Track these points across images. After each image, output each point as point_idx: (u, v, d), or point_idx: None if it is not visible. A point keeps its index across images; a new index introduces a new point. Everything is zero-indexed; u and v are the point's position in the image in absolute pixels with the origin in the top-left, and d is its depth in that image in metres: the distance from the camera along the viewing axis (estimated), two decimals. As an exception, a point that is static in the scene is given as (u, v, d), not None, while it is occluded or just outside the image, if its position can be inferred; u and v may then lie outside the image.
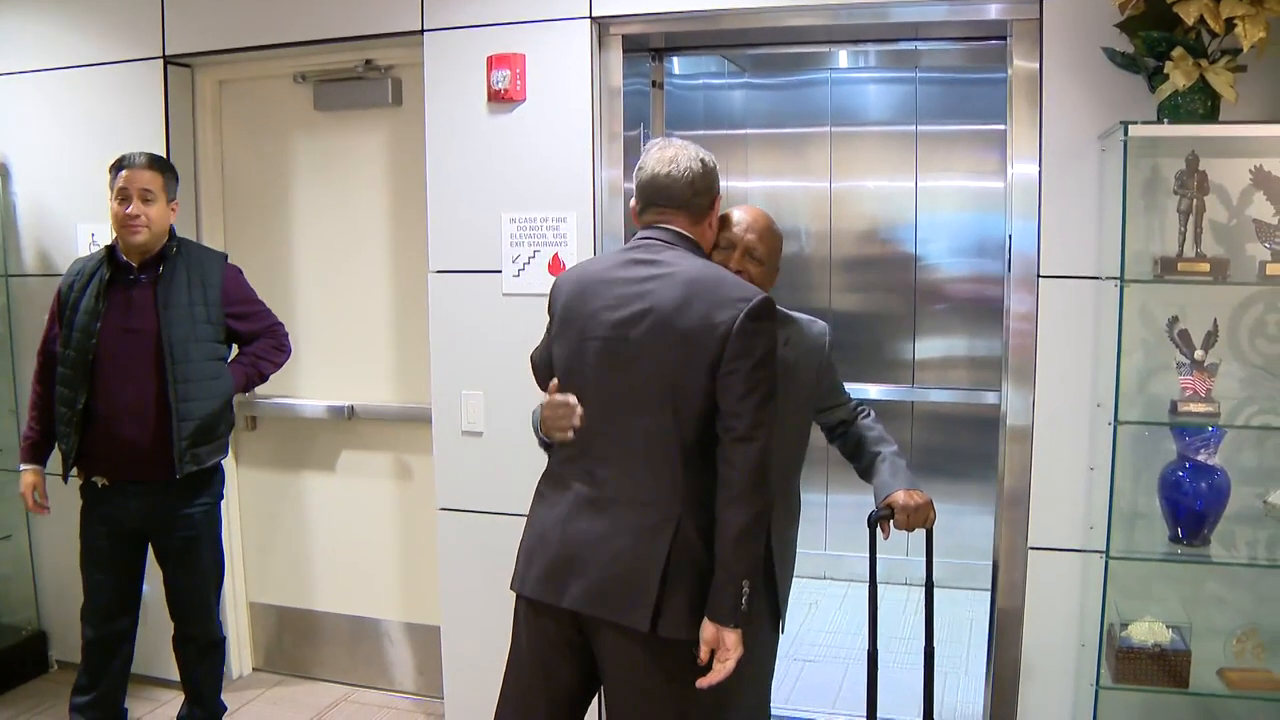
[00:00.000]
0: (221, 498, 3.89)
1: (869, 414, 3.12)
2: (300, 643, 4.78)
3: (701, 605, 2.50)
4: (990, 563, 3.66)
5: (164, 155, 3.79)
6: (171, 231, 3.72)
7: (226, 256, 3.88)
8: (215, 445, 3.75)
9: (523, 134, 3.80)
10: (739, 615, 2.47)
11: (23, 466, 3.81)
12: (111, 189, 3.63)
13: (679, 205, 2.68)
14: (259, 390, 4.51)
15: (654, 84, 4.15)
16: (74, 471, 3.70)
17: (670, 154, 2.68)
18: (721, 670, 2.47)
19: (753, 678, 2.83)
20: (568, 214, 3.78)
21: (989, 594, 3.68)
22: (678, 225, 2.68)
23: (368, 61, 4.23)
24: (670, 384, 2.51)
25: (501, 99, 3.82)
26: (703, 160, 2.70)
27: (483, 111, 3.85)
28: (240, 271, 3.89)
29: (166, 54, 4.31)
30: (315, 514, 4.67)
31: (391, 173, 4.32)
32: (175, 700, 4.43)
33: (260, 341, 3.87)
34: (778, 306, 2.81)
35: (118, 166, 3.63)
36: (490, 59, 3.81)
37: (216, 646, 3.96)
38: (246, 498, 4.76)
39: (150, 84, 4.34)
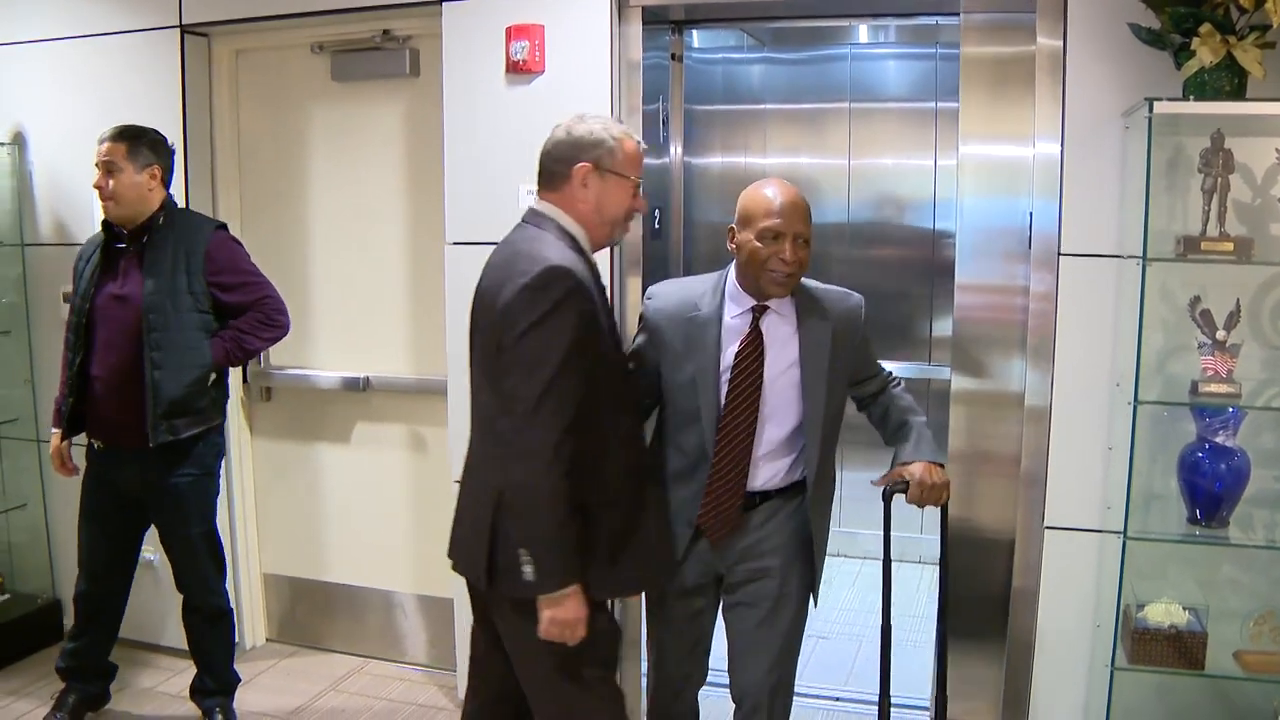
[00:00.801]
0: (213, 471, 3.86)
1: (899, 384, 3.12)
2: (313, 614, 4.79)
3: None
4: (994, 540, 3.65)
5: (143, 125, 3.75)
6: (167, 200, 3.74)
7: (222, 226, 3.86)
8: (194, 418, 3.71)
9: (541, 106, 3.77)
10: (523, 584, 2.51)
11: (54, 430, 3.85)
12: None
13: (541, 176, 2.74)
14: (274, 360, 4.56)
15: (673, 57, 4.14)
16: (80, 435, 3.79)
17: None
18: (547, 634, 2.55)
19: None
20: (585, 187, 3.75)
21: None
22: (541, 198, 2.74)
23: (385, 32, 4.21)
24: (487, 359, 2.61)
25: (520, 70, 3.80)
26: (568, 129, 2.70)
27: (501, 83, 3.83)
28: (233, 241, 3.86)
29: (183, 23, 4.29)
30: (329, 486, 4.67)
31: (409, 144, 4.30)
32: (188, 670, 4.45)
33: (248, 315, 3.78)
34: (807, 281, 2.86)
35: (99, 140, 3.68)
36: (509, 30, 3.79)
37: (222, 617, 3.96)
38: (261, 468, 4.77)
39: (167, 53, 4.32)
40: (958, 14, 3.57)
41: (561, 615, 2.52)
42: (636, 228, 3.83)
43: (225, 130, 4.53)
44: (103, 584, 3.90)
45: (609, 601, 2.80)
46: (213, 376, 3.75)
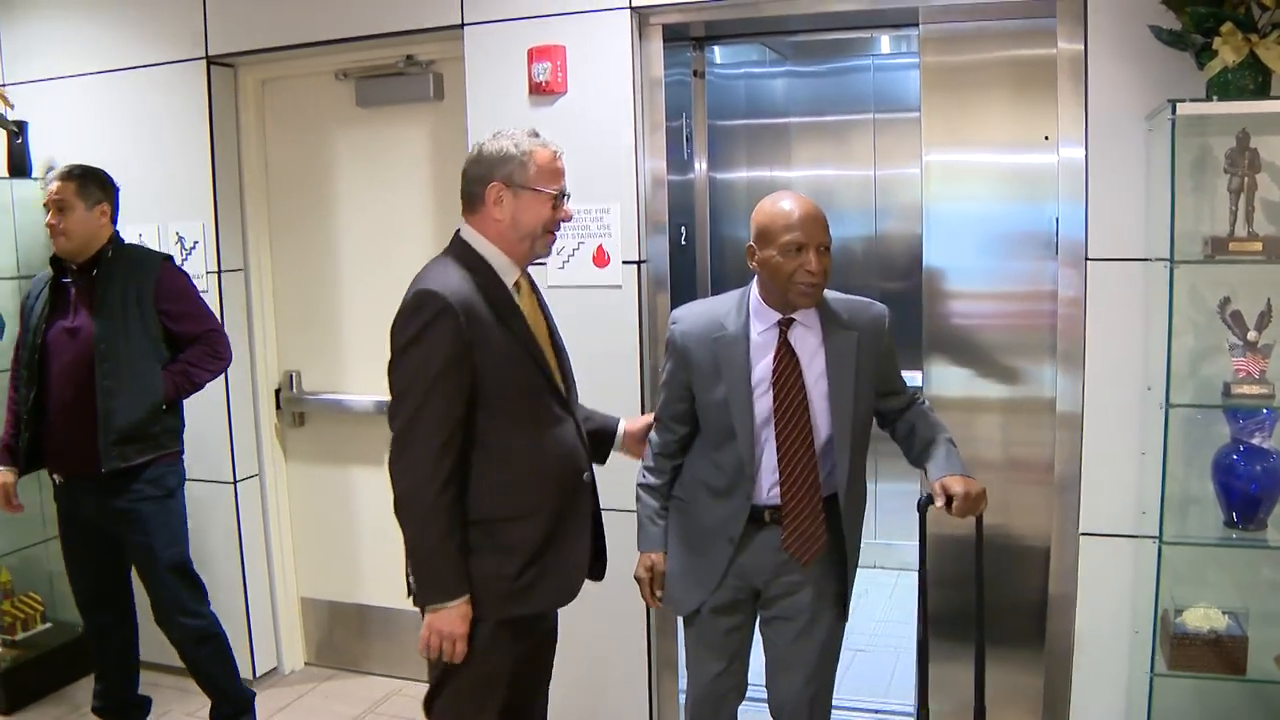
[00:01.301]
0: (175, 494, 3.88)
1: (924, 402, 3.09)
2: (351, 637, 4.81)
3: None
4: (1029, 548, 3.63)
5: (95, 171, 3.83)
6: (114, 235, 3.80)
7: (169, 259, 3.89)
8: (146, 444, 3.74)
9: (565, 126, 3.79)
10: (414, 595, 2.68)
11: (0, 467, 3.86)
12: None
13: (462, 200, 2.79)
14: (305, 386, 4.60)
15: (695, 73, 4.15)
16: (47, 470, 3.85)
17: None
18: (424, 641, 2.66)
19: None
20: (611, 205, 3.78)
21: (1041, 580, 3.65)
22: (465, 219, 2.79)
23: (409, 57, 4.24)
24: None
25: (543, 91, 3.82)
26: (480, 148, 2.74)
27: (524, 104, 3.86)
28: (181, 273, 3.91)
29: (209, 54, 4.34)
30: (364, 508, 4.69)
31: (434, 167, 4.33)
32: None
33: (195, 348, 3.84)
34: (829, 292, 2.86)
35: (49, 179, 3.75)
36: (531, 51, 3.82)
37: (208, 639, 3.94)
38: (295, 494, 4.80)
39: (194, 84, 4.38)
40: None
41: (439, 626, 2.63)
42: (662, 245, 3.86)
43: (252, 158, 4.57)
44: (101, 616, 3.95)
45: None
46: (164, 408, 3.79)
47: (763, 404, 2.84)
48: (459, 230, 2.80)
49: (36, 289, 3.85)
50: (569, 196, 2.82)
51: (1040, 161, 3.56)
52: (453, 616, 2.62)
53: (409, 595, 2.74)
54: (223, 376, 4.36)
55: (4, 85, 4.60)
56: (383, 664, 4.74)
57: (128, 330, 3.68)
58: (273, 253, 4.66)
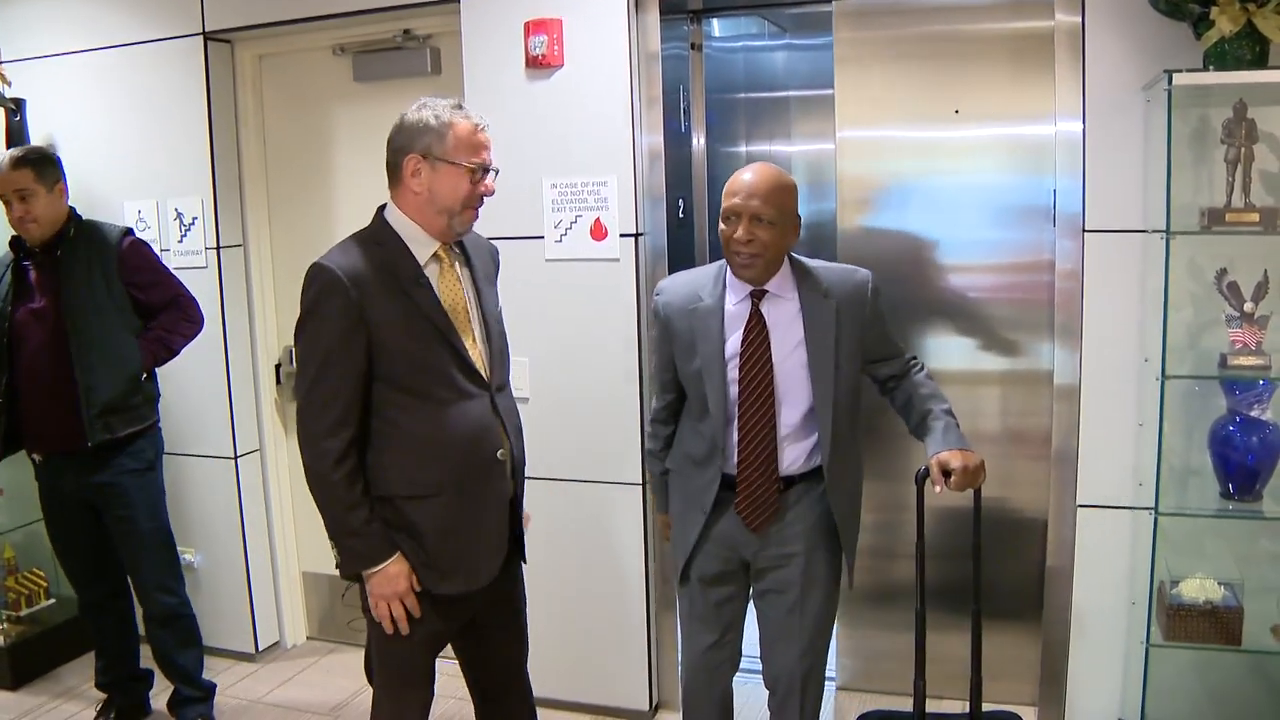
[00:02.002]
0: (154, 467, 3.91)
1: (922, 368, 3.06)
2: (353, 611, 4.82)
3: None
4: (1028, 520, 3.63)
5: (43, 150, 3.87)
6: (71, 212, 3.81)
7: (129, 231, 3.88)
8: (129, 415, 3.77)
9: (562, 99, 3.79)
10: (341, 567, 2.72)
11: None
12: None
13: (387, 170, 2.73)
14: (306, 361, 4.57)
15: (693, 47, 4.13)
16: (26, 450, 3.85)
17: None
18: (374, 610, 2.70)
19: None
20: (608, 178, 3.77)
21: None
22: (391, 195, 2.75)
23: (406, 31, 4.23)
24: None
25: (540, 65, 3.81)
26: (403, 118, 2.69)
27: (521, 78, 3.84)
28: (142, 244, 3.90)
29: (206, 30, 4.33)
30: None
31: (432, 142, 4.31)
32: (229, 671, 4.58)
33: (166, 314, 3.85)
34: (804, 260, 2.89)
35: None
36: (527, 25, 3.80)
37: (178, 619, 3.96)
38: (296, 468, 4.73)
39: (191, 60, 4.36)
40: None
41: (378, 590, 2.66)
42: (660, 218, 3.86)
43: (251, 134, 4.56)
44: (95, 591, 3.98)
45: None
46: (143, 375, 3.81)
47: (734, 375, 2.85)
48: (382, 206, 2.77)
49: None
50: (495, 172, 2.74)
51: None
52: (386, 577, 2.65)
53: (336, 566, 2.79)
54: (222, 353, 4.40)
55: (1, 62, 4.58)
56: (384, 638, 4.76)
57: (97, 305, 3.69)
58: (272, 228, 4.66)
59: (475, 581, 2.78)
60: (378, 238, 2.69)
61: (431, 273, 2.71)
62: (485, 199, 2.74)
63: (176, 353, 3.90)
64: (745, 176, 2.78)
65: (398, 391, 2.64)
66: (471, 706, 3.15)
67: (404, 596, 2.66)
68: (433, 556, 2.70)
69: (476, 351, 2.76)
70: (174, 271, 3.99)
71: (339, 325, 2.55)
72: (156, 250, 4.18)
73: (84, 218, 3.84)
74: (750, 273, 2.79)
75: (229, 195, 4.48)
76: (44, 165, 3.73)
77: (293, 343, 2.66)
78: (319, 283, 2.57)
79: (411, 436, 2.66)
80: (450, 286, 2.75)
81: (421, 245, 2.70)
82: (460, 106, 2.70)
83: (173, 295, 3.86)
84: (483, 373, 2.76)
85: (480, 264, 2.89)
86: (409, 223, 2.70)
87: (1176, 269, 3.08)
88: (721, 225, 2.79)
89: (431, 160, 2.64)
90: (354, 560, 2.66)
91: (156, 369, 3.89)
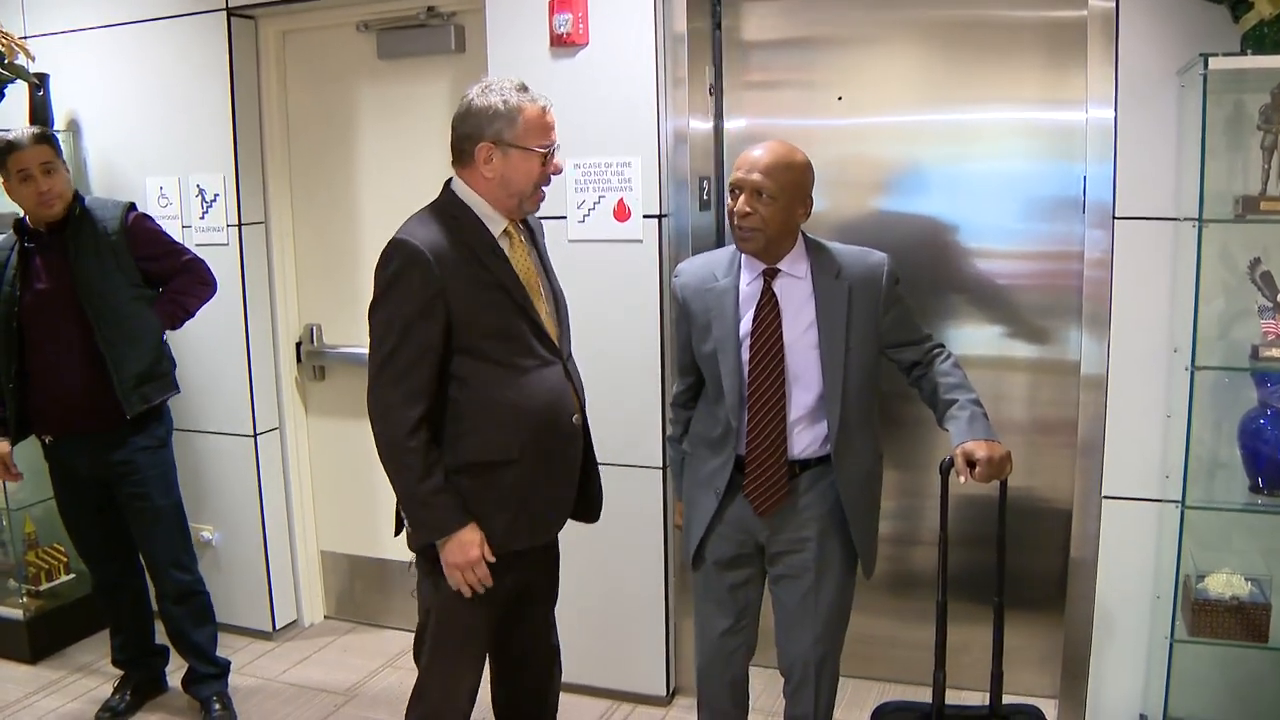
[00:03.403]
0: (166, 443, 3.91)
1: (948, 357, 2.99)
2: (371, 591, 4.83)
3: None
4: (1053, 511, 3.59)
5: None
6: (76, 192, 3.77)
7: (132, 206, 3.84)
8: (162, 382, 3.81)
9: (586, 78, 3.75)
10: (411, 537, 2.79)
11: None
12: (8, 173, 3.63)
13: (452, 150, 2.77)
14: (326, 339, 4.58)
15: (718, 27, 4.06)
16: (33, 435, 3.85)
17: None
18: (450, 580, 2.73)
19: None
20: (633, 159, 3.74)
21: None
22: (455, 171, 2.78)
23: (430, 9, 4.20)
24: None
25: (564, 43, 3.77)
26: (470, 103, 2.71)
27: (545, 56, 3.81)
28: (145, 217, 3.86)
29: (230, 6, 4.30)
30: (384, 463, 4.68)
31: (455, 120, 4.29)
32: (246, 649, 4.60)
33: (180, 279, 3.84)
34: (820, 240, 2.89)
35: (8, 149, 3.61)
36: (552, 3, 3.76)
37: (194, 595, 3.97)
38: (316, 447, 4.80)
39: (214, 36, 4.34)
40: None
41: (451, 559, 2.69)
42: (683, 199, 3.82)
43: (273, 111, 4.54)
44: (109, 569, 3.98)
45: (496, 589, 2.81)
46: (165, 344, 3.84)
47: (747, 356, 2.85)
48: (449, 180, 2.81)
49: (2, 256, 3.76)
50: (559, 149, 2.79)
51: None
52: (459, 544, 2.67)
53: (396, 534, 2.91)
54: (243, 330, 4.39)
55: (25, 37, 4.57)
56: (402, 618, 4.74)
57: (111, 282, 3.67)
58: (294, 205, 4.64)
59: (545, 536, 2.94)
60: (453, 211, 2.74)
61: (504, 246, 2.76)
62: (553, 178, 2.81)
63: (193, 314, 3.90)
64: (754, 151, 2.79)
65: (480, 361, 2.69)
66: (489, 691, 3.16)
67: (476, 565, 2.68)
68: (510, 520, 2.76)
69: (549, 321, 2.84)
70: (195, 248, 3.98)
71: (420, 298, 2.60)
72: (178, 227, 4.18)
73: (82, 195, 3.81)
74: (750, 246, 2.80)
75: (251, 172, 4.46)
76: (55, 141, 3.71)
77: (368, 316, 2.67)
78: (401, 256, 2.61)
79: (495, 404, 2.71)
80: (521, 259, 2.81)
81: (493, 221, 2.76)
82: (525, 88, 2.73)
83: (182, 262, 3.85)
84: (555, 341, 2.83)
85: (540, 238, 2.98)
86: (480, 199, 2.75)
87: (1209, 258, 3.02)
88: (728, 198, 2.81)
89: (504, 147, 2.68)
90: (427, 530, 2.69)
91: (177, 328, 3.91)
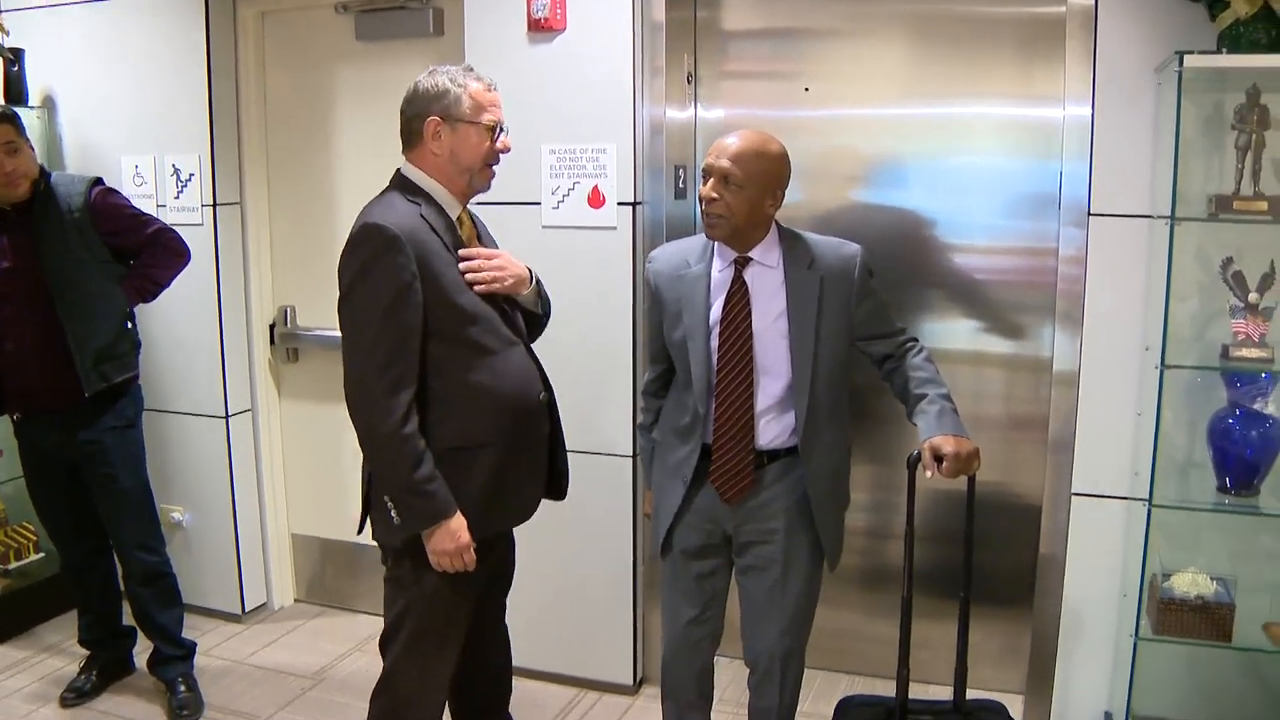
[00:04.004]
0: (135, 424, 3.89)
1: (921, 350, 2.98)
2: (341, 574, 4.81)
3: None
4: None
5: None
6: (41, 166, 3.73)
7: (98, 180, 3.79)
8: (119, 362, 3.77)
9: (563, 64, 3.73)
10: (392, 530, 2.70)
11: None
12: None
13: (402, 138, 2.81)
14: (300, 322, 4.56)
15: (697, 17, 4.05)
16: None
17: None
18: (438, 567, 2.70)
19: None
20: (608, 145, 3.72)
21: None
22: (405, 158, 2.81)
23: (409, -9, 4.18)
24: None
25: (542, 28, 3.75)
26: (416, 85, 2.76)
27: (523, 41, 3.78)
28: (110, 191, 3.81)
29: (208, -16, 4.27)
30: (356, 446, 4.63)
31: (433, 104, 4.26)
32: (213, 631, 4.58)
33: (148, 252, 3.79)
34: (794, 230, 2.89)
35: None
36: (531, -13, 3.74)
37: (161, 577, 3.96)
38: (288, 429, 4.78)
39: (192, 15, 4.30)
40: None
41: (439, 548, 2.66)
42: (659, 187, 3.81)
43: (250, 91, 4.50)
44: (78, 549, 3.96)
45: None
46: (129, 324, 3.80)
47: (715, 344, 2.85)
48: (401, 168, 2.82)
49: None
50: (506, 130, 2.81)
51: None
52: (448, 532, 2.65)
53: (360, 530, 2.88)
54: (216, 311, 4.37)
55: (1, 11, 4.53)
56: (372, 602, 4.70)
57: (77, 259, 3.64)
58: (269, 187, 4.61)
59: (525, 516, 2.95)
60: (411, 193, 2.75)
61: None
62: (501, 156, 2.83)
63: (165, 285, 3.87)
64: (727, 138, 2.79)
65: (452, 345, 2.69)
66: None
67: (465, 550, 2.67)
68: (489, 503, 2.77)
69: (505, 303, 2.85)
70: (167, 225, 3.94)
71: (397, 282, 2.58)
72: (153, 206, 4.15)
73: (47, 170, 3.76)
74: (716, 233, 2.81)
75: (227, 152, 4.43)
76: (18, 119, 3.66)
77: (340, 304, 2.64)
78: (376, 241, 2.58)
79: (470, 388, 2.71)
80: (473, 243, 2.83)
81: (449, 204, 2.79)
82: (471, 69, 2.78)
83: (151, 234, 3.79)
84: (515, 322, 2.88)
85: (481, 226, 2.99)
86: (433, 182, 2.77)
87: (1182, 257, 3.02)
88: (700, 184, 2.80)
89: (451, 122, 2.72)
90: (418, 518, 2.65)
91: (148, 302, 3.88)
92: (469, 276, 2.72)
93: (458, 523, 2.66)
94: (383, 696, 2.89)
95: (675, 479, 2.96)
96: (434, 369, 2.67)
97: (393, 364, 2.58)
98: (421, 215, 2.68)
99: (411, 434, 2.59)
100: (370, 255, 2.58)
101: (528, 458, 2.87)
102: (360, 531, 2.87)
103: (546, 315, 3.07)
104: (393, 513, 2.67)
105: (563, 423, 2.99)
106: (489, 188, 2.85)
